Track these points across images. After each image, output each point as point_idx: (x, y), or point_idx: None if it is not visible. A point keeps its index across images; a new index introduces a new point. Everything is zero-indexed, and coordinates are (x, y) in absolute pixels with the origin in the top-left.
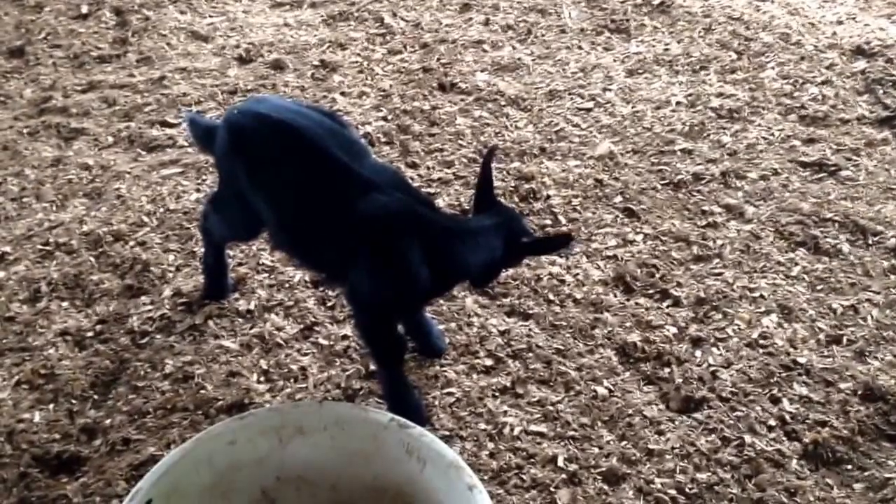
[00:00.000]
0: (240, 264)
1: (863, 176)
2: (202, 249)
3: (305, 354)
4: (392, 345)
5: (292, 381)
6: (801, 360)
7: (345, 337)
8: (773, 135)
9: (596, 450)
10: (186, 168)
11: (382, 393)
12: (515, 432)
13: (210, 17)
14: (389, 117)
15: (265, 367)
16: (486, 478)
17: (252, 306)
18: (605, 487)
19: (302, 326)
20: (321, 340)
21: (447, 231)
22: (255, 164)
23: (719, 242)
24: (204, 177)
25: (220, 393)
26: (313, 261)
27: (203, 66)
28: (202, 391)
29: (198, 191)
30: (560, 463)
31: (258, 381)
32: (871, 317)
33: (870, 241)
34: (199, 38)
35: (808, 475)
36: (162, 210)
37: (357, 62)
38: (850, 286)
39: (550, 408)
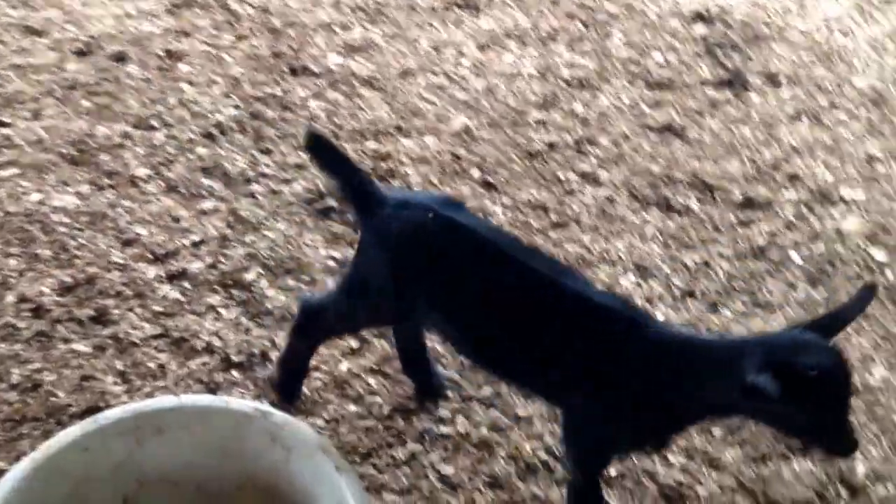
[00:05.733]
0: (89, 264)
1: (708, 136)
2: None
3: (162, 351)
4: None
5: (150, 379)
6: (659, 315)
7: (203, 332)
8: (622, 101)
9: (467, 420)
10: (25, 168)
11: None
12: (385, 411)
13: (44, 10)
14: (241, 105)
15: (121, 368)
16: (357, 459)
17: (104, 304)
18: (480, 454)
19: (157, 323)
20: (178, 335)
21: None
22: (449, 281)
23: (576, 208)
24: (44, 175)
25: (73, 399)
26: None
27: (39, 61)
28: (53, 398)
29: (39, 191)
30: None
31: (114, 384)
32: (722, 269)
33: (717, 198)
34: (33, 32)
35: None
36: (1, 214)
37: (204, 50)
38: (702, 242)
39: None
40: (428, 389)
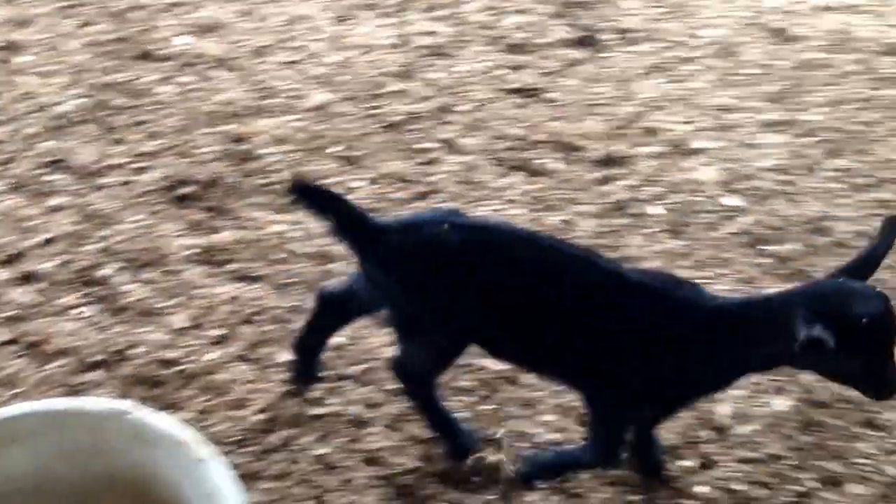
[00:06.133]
0: None
1: (566, 96)
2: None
3: (18, 357)
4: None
5: (6, 388)
6: None
7: (60, 333)
8: (480, 66)
9: (339, 399)
10: None
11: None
12: (255, 397)
13: None
14: (88, 94)
15: None
16: (229, 448)
17: None
18: (355, 431)
19: (10, 328)
20: (33, 339)
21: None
22: (481, 285)
23: (439, 177)
24: None
25: None
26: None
27: None
28: None
29: None
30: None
31: None
32: (586, 227)
33: (578, 157)
34: None
35: None
36: None
37: (44, 39)
38: (565, 202)
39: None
40: (309, 373)
